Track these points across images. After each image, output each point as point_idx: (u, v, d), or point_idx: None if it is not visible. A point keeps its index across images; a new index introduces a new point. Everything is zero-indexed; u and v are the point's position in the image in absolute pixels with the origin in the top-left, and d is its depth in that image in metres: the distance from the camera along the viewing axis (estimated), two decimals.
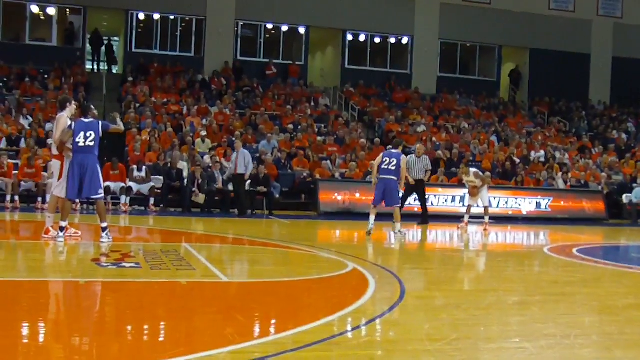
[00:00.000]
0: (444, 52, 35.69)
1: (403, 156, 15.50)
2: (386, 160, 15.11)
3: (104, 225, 11.66)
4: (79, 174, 11.46)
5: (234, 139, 24.06)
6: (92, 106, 12.31)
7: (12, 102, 24.73)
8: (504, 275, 10.41)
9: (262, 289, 8.11)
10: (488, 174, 22.09)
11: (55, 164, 12.20)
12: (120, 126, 12.70)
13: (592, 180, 26.25)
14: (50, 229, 11.80)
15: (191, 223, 17.46)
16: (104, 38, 33.05)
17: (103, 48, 32.97)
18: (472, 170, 18.19)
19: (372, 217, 15.21)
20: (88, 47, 32.07)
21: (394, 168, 15.00)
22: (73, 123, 11.62)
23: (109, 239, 11.59)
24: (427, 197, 19.33)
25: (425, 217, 18.97)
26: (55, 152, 12.07)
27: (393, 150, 15.55)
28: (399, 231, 15.20)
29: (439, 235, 17.33)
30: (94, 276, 8.55)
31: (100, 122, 11.76)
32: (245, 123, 26.06)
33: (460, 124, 30.24)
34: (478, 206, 18.45)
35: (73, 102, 12.28)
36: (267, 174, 21.30)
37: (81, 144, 11.43)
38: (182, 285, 8.07)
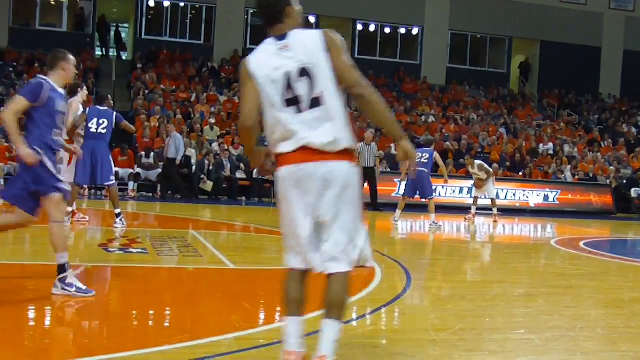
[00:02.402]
0: (454, 43, 35.58)
1: (436, 153, 16.17)
2: (418, 155, 15.44)
3: (118, 211, 11.76)
4: (90, 160, 11.55)
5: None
6: (109, 96, 12.39)
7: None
8: (510, 267, 10.40)
9: (268, 276, 8.12)
10: (495, 166, 22.08)
11: None
12: (132, 127, 12.76)
13: (600, 173, 26.18)
14: (76, 212, 11.96)
15: (198, 210, 17.49)
16: (113, 24, 33.06)
17: (112, 34, 33.01)
18: (477, 162, 18.24)
19: (399, 211, 15.79)
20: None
21: (425, 161, 15.52)
22: (87, 109, 11.72)
23: (122, 224, 11.68)
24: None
25: (375, 204, 20.04)
26: (65, 137, 12.10)
27: (425, 147, 16.12)
28: (434, 222, 15.53)
29: (446, 227, 17.31)
30: (101, 261, 8.58)
31: (115, 113, 11.85)
32: None
33: (469, 115, 30.19)
34: (486, 197, 18.46)
35: (84, 88, 12.33)
36: (274, 162, 21.30)
37: (93, 130, 11.53)
38: (189, 271, 8.10)
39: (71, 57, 6.65)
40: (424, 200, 16.23)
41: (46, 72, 6.59)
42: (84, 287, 6.26)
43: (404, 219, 16.98)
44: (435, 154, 15.97)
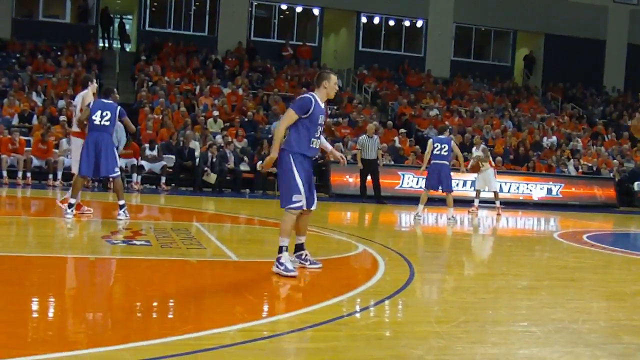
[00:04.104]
0: (459, 36, 35.51)
1: (453, 141, 15.60)
2: (437, 146, 15.13)
3: (122, 202, 11.78)
4: (94, 152, 11.53)
5: (246, 119, 24.10)
6: (115, 89, 12.32)
7: (25, 79, 24.77)
8: (513, 260, 10.40)
9: (272, 269, 8.12)
10: (499, 159, 22.08)
11: (75, 141, 12.22)
12: (132, 127, 12.62)
13: (604, 167, 26.16)
14: (81, 204, 12.11)
15: (202, 202, 17.50)
16: (117, 16, 33.03)
17: (116, 26, 33.01)
18: (483, 146, 18.37)
19: (422, 205, 15.39)
20: None
21: (445, 153, 15.07)
22: (91, 102, 11.69)
23: (126, 216, 11.70)
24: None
25: (379, 197, 20.00)
26: (76, 129, 12.12)
27: (441, 136, 15.53)
28: (452, 217, 15.20)
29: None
30: (104, 253, 8.60)
31: (118, 107, 11.78)
32: (258, 103, 26.06)
33: (473, 108, 30.15)
34: (485, 190, 18.47)
35: (94, 81, 12.34)
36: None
37: (97, 122, 11.50)
38: (192, 263, 8.10)
39: (333, 76, 7.76)
40: (444, 192, 15.76)
41: (313, 88, 7.81)
42: (291, 267, 7.45)
43: (409, 211, 16.97)
44: (453, 143, 15.40)
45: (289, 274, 7.34)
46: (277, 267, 7.44)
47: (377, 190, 20.05)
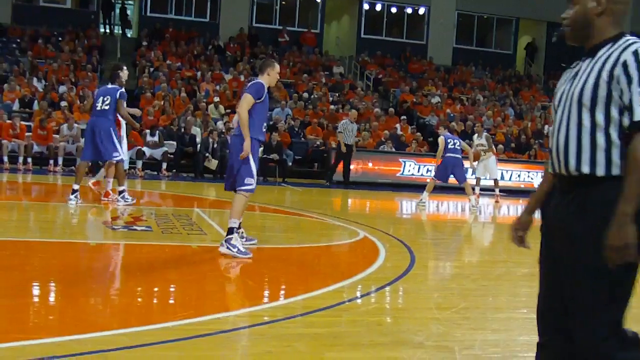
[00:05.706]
0: (461, 24, 35.40)
1: (463, 142, 16.44)
2: (450, 142, 15.70)
3: (121, 188, 11.76)
4: (91, 137, 11.49)
5: None
6: (121, 74, 12.04)
7: (26, 64, 24.72)
8: (513, 247, 10.34)
9: (273, 255, 8.14)
10: (500, 147, 22.04)
11: None
12: (124, 112, 12.42)
13: None
14: (110, 192, 12.11)
15: (203, 188, 17.50)
16: (118, 2, 32.96)
17: (117, 12, 32.92)
18: (486, 134, 18.36)
19: (427, 193, 15.65)
20: None
21: (459, 147, 15.74)
22: (95, 90, 11.68)
23: (125, 201, 11.68)
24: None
25: (347, 182, 20.51)
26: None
27: (448, 133, 16.38)
28: (474, 206, 15.74)
29: (450, 207, 17.33)
30: (105, 238, 8.60)
31: (119, 91, 11.60)
32: None
33: (475, 96, 30.09)
34: (486, 178, 18.47)
35: (124, 68, 12.16)
36: (280, 142, 21.28)
37: (98, 108, 11.47)
38: (193, 249, 8.11)
39: (277, 64, 8.03)
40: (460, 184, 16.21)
41: (256, 74, 8.04)
42: (243, 249, 7.51)
43: (410, 199, 16.97)
44: (463, 142, 16.25)
45: (244, 256, 7.45)
46: (229, 248, 7.48)
47: (346, 174, 20.42)
